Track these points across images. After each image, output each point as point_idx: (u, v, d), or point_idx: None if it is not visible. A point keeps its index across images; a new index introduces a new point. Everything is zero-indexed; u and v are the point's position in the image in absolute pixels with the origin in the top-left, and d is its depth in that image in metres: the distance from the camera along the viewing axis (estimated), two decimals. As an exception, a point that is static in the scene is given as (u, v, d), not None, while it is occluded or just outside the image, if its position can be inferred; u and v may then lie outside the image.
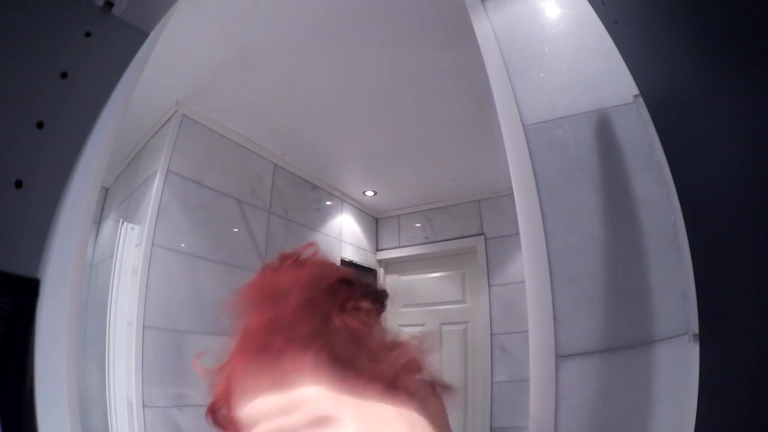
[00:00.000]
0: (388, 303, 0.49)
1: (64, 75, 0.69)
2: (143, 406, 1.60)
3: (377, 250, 3.40)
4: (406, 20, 1.53)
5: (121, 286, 1.77)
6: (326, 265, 0.46)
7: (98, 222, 2.22)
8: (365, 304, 0.42)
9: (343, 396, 0.31)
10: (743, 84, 0.43)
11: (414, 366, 0.37)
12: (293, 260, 0.46)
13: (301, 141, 2.38)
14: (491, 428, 2.56)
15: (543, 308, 0.80)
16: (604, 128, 0.86)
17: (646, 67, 0.76)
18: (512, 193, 0.88)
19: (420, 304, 3.10)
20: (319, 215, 2.83)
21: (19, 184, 0.61)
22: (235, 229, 2.16)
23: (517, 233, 0.85)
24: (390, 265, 3.39)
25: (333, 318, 0.37)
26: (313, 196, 2.81)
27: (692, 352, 0.69)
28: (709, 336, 0.66)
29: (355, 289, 0.42)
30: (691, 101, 0.58)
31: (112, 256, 1.82)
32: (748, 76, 0.42)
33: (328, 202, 2.95)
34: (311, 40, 1.63)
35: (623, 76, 0.85)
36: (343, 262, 2.97)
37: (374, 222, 3.45)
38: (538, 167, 0.88)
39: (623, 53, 0.85)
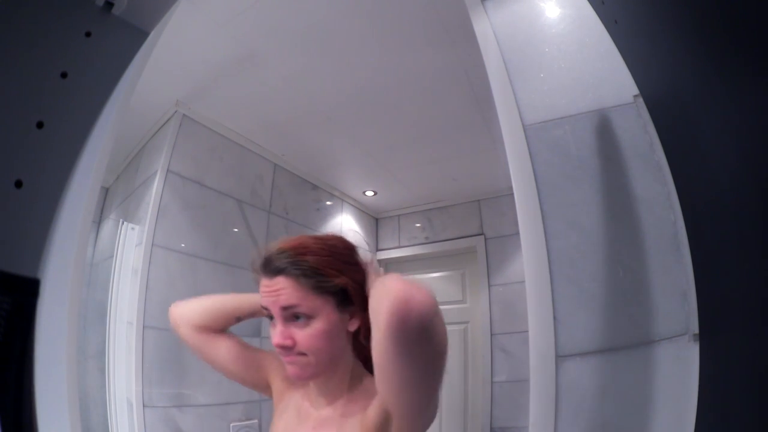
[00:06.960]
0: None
1: (64, 75, 0.69)
2: (143, 406, 1.60)
3: (377, 250, 3.40)
4: (406, 20, 1.53)
5: (121, 286, 1.77)
6: None
7: (98, 222, 2.22)
8: None
9: None
10: (743, 84, 0.43)
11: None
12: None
13: (301, 141, 2.37)
14: (491, 428, 2.56)
15: (543, 308, 0.80)
16: (604, 128, 0.86)
17: (646, 67, 0.76)
18: (512, 193, 0.88)
19: (420, 304, 3.10)
20: (319, 215, 2.83)
21: (19, 184, 0.61)
22: (235, 229, 2.16)
23: (517, 233, 0.85)
24: (390, 265, 3.38)
25: None
26: (313, 196, 2.81)
27: (692, 352, 0.69)
28: (709, 336, 0.66)
29: None
30: (691, 101, 0.58)
31: (112, 256, 1.82)
32: (748, 76, 0.42)
33: (328, 202, 2.95)
34: (311, 40, 1.63)
35: (623, 76, 0.85)
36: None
37: (374, 222, 3.45)
38: (538, 167, 0.88)
39: (623, 53, 0.85)
